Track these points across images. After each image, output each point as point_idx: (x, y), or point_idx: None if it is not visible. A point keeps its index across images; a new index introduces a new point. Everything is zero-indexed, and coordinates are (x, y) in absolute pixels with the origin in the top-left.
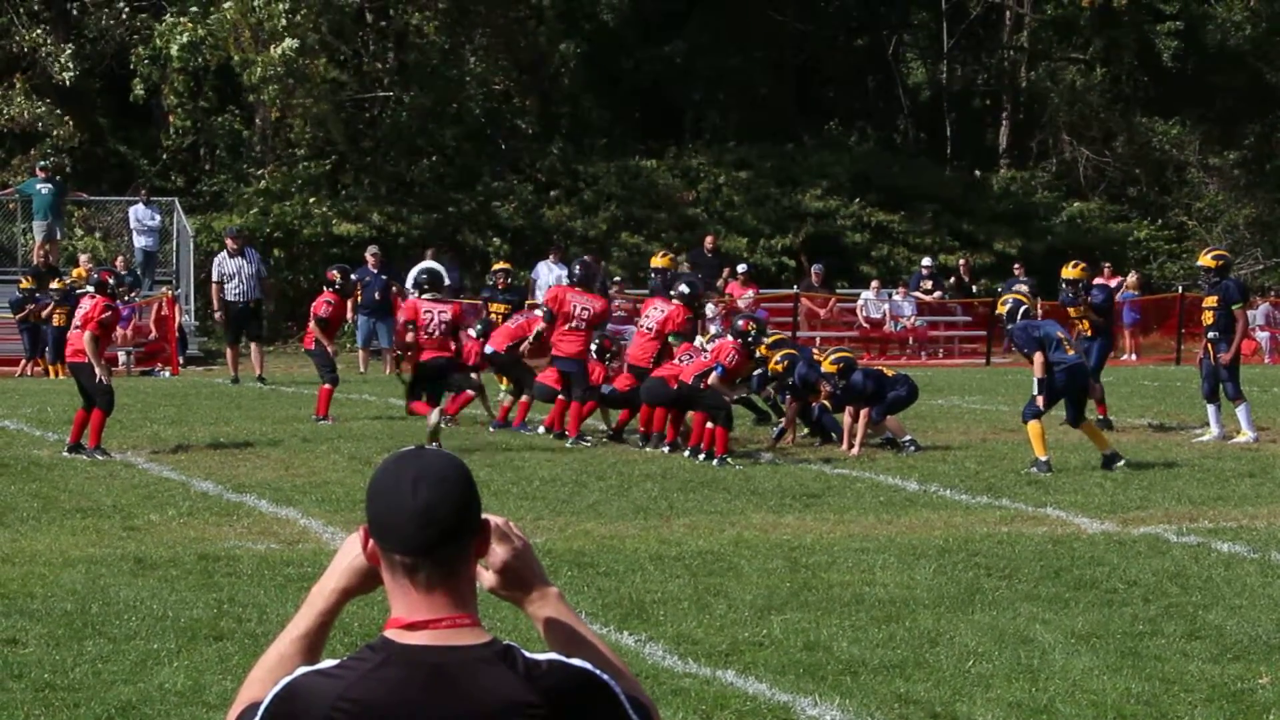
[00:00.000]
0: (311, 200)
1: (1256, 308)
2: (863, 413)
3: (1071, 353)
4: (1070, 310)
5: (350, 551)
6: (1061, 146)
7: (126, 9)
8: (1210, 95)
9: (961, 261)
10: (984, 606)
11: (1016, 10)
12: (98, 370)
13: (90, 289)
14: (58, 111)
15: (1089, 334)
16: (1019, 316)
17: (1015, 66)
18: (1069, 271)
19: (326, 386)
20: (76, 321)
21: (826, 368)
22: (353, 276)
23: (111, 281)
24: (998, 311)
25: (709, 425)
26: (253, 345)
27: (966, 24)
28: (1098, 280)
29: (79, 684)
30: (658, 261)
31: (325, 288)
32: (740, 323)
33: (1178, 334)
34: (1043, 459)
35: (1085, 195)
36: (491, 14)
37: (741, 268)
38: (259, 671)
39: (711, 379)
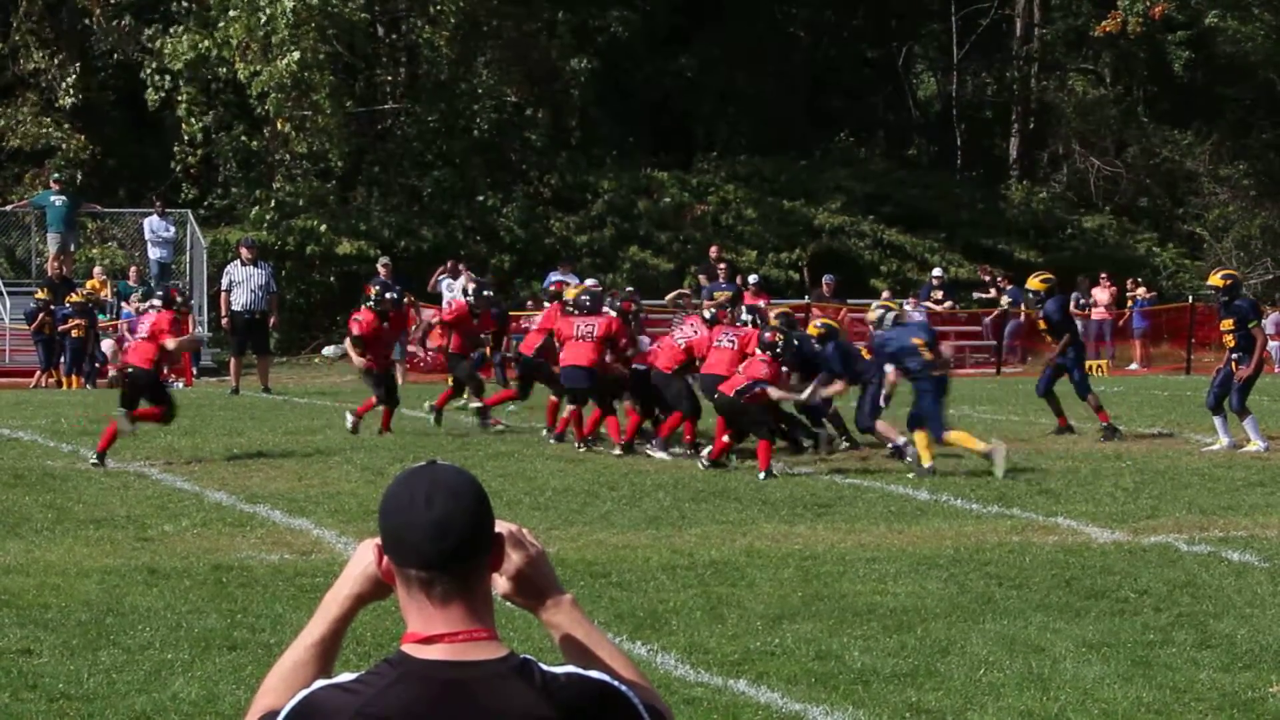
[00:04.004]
0: (320, 214)
1: (1267, 317)
2: (832, 385)
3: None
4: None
5: (363, 558)
6: (1073, 157)
7: (130, 24)
8: (1221, 106)
9: (984, 273)
10: (995, 616)
11: (1027, 21)
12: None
13: (157, 302)
14: (66, 126)
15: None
16: (884, 324)
17: (1025, 77)
18: (1032, 283)
19: (371, 401)
20: (143, 333)
21: (811, 331)
22: (389, 295)
23: (179, 298)
24: (867, 319)
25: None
26: (258, 357)
27: (976, 35)
28: (1102, 291)
29: (93, 694)
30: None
31: (362, 303)
32: (767, 335)
33: (1188, 344)
34: (926, 466)
35: (1097, 206)
36: (503, 27)
37: (753, 278)
38: (274, 679)
39: (774, 394)
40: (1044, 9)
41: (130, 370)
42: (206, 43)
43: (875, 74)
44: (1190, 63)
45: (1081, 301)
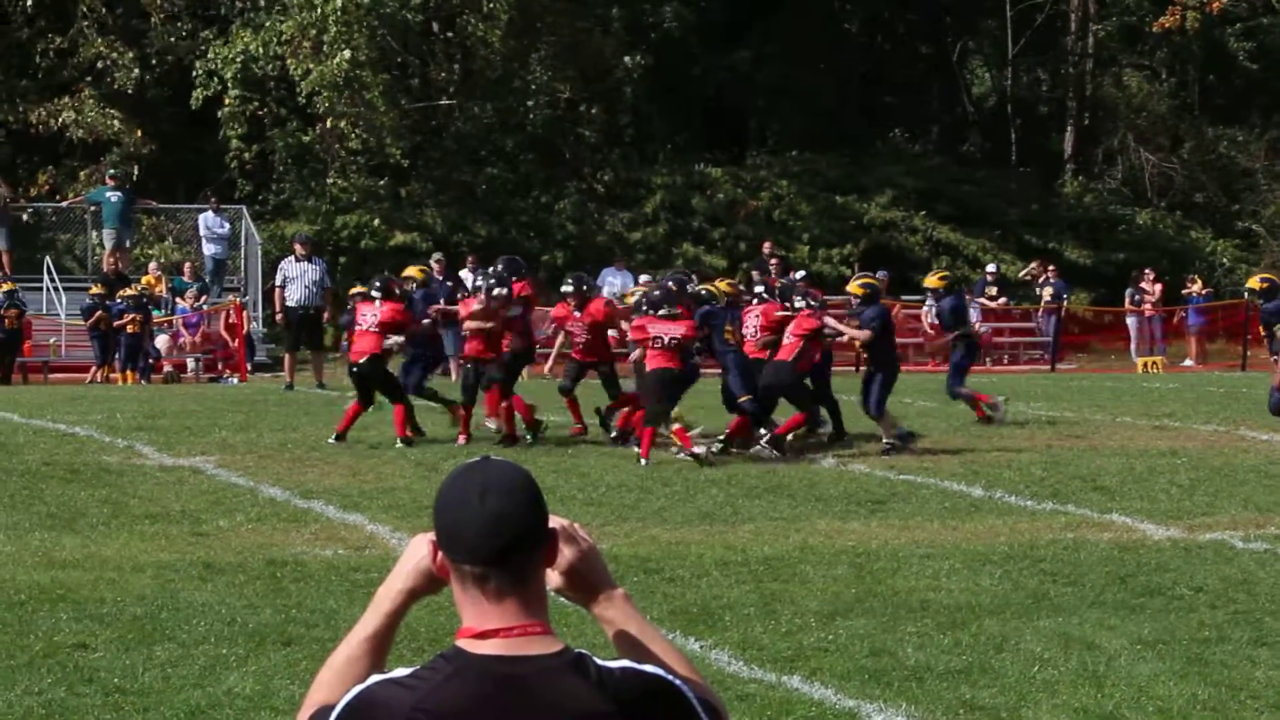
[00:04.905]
0: (374, 209)
1: None
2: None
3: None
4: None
5: (416, 553)
6: (1128, 153)
7: (188, 27)
8: (1278, 101)
9: (1035, 263)
10: (1049, 613)
11: (1082, 16)
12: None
13: (376, 294)
14: (125, 120)
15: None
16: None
17: (1080, 73)
18: (929, 281)
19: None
20: (368, 324)
21: (854, 290)
22: (499, 290)
23: (397, 290)
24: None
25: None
26: (312, 353)
27: (1031, 31)
28: (1149, 287)
29: (148, 688)
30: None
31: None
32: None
33: (1243, 340)
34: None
35: (1151, 202)
36: (557, 23)
37: (800, 274)
38: (327, 673)
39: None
40: (1099, 4)
41: (357, 367)
42: (255, 44)
43: (929, 69)
44: (1249, 56)
45: (1136, 297)
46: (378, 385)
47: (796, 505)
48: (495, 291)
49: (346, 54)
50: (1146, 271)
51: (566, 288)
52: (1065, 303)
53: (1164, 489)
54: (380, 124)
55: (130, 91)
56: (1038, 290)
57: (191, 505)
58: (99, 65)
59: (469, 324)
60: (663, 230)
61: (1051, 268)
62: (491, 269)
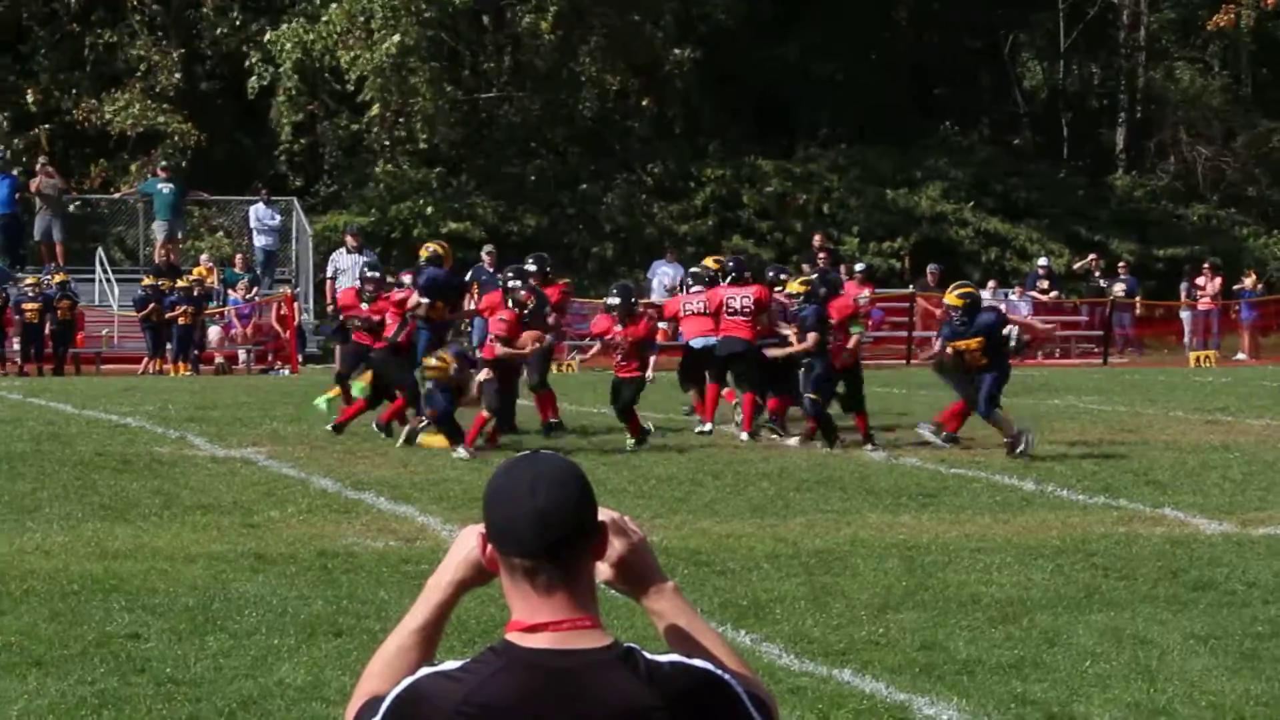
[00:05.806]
0: (426, 199)
1: None
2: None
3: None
4: None
5: (465, 544)
6: (1180, 146)
7: (240, 19)
8: None
9: (1093, 257)
10: (1101, 607)
11: (1134, 9)
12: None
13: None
14: (174, 116)
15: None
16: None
17: (1133, 66)
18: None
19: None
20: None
21: (951, 301)
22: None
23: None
24: (789, 291)
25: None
26: None
27: (1084, 23)
28: (1207, 281)
29: (200, 679)
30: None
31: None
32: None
33: None
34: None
35: (1203, 196)
36: (607, 15)
37: (859, 267)
38: (377, 664)
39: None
40: None
41: (373, 353)
42: (310, 36)
43: (980, 62)
44: None
45: (1192, 292)
46: (390, 373)
47: (847, 498)
48: (510, 284)
49: (396, 38)
50: (1205, 266)
51: (612, 300)
52: (1137, 299)
53: (1216, 483)
54: (423, 111)
55: (171, 94)
56: (1104, 285)
57: (243, 496)
58: (145, 66)
59: (503, 350)
60: (712, 223)
61: (1121, 264)
62: (519, 268)
